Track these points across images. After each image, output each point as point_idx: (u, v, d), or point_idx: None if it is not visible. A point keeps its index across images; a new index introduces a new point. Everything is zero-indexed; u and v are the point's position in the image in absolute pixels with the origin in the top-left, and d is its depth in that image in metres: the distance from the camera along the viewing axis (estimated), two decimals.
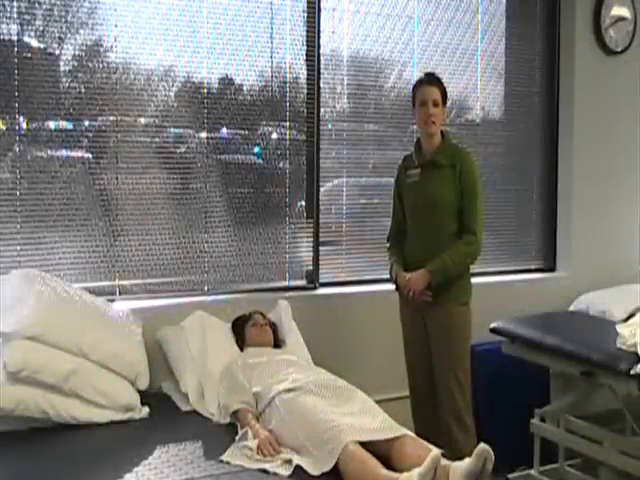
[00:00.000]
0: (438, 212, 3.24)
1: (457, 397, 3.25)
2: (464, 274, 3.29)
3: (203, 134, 3.63)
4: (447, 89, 3.29)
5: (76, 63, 3.37)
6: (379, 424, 2.55)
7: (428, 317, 3.29)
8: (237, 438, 2.64)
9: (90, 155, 3.40)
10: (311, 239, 3.90)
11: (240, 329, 3.32)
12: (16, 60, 3.20)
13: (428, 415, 3.35)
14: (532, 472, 3.69)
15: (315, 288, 3.90)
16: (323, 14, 3.86)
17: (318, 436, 2.48)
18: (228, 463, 2.48)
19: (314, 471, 2.39)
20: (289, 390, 2.76)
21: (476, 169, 3.28)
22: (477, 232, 3.21)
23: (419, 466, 2.25)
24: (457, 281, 3.24)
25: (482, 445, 2.25)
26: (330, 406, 2.65)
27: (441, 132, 3.31)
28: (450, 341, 3.25)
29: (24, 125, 3.24)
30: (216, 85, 3.67)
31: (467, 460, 2.26)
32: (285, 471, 2.42)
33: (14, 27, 3.20)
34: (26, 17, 3.24)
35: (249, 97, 3.79)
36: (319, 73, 3.87)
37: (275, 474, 2.40)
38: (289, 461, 2.46)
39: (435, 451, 2.29)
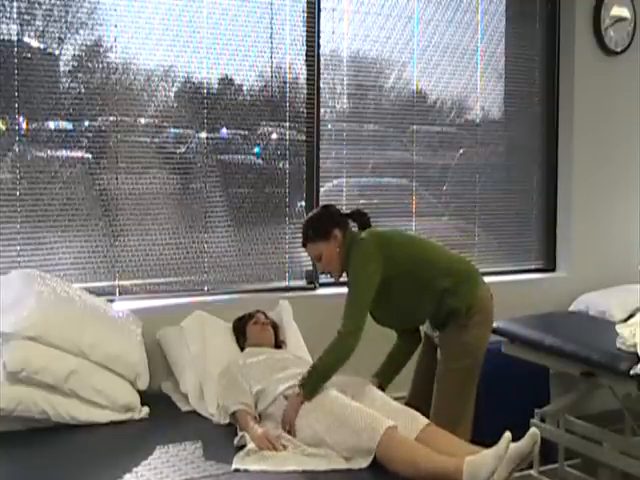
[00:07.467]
0: None
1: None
2: (460, 290, 2.93)
3: (203, 134, 3.63)
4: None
5: (76, 63, 3.37)
6: (402, 422, 2.52)
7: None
8: (235, 442, 2.61)
9: (90, 155, 3.41)
10: None
11: (242, 327, 3.30)
12: (16, 60, 3.20)
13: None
14: (532, 472, 3.69)
15: (315, 288, 3.90)
16: (323, 14, 3.86)
17: (348, 426, 2.46)
18: (247, 471, 2.40)
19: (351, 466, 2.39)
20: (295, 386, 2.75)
21: (357, 259, 2.86)
22: (347, 317, 2.81)
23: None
24: (450, 304, 2.92)
25: (534, 429, 2.38)
26: (348, 397, 2.66)
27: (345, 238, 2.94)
28: (442, 371, 2.96)
29: (24, 125, 3.25)
30: (216, 85, 3.67)
31: (518, 442, 2.34)
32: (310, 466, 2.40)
33: (14, 27, 3.20)
34: (26, 17, 3.24)
35: (249, 97, 3.79)
36: (319, 73, 3.87)
37: (276, 474, 2.38)
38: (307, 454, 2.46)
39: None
